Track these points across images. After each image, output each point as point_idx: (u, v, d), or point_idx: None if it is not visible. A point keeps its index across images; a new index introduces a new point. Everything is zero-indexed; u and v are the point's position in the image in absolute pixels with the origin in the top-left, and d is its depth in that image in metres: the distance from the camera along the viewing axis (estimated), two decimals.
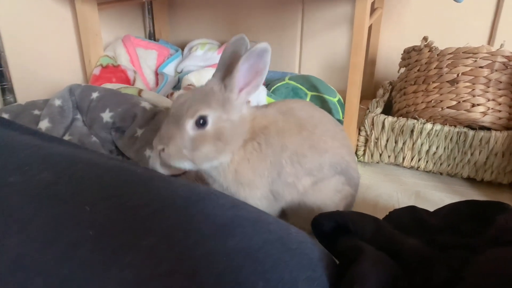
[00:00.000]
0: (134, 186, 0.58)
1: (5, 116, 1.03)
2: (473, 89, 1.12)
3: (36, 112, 1.08)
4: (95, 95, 1.10)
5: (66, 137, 1.06)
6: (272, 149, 0.78)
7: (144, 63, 1.56)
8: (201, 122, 0.71)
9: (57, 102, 1.09)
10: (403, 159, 1.21)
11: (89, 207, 0.53)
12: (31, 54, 1.27)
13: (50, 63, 1.34)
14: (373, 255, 0.59)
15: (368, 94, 1.61)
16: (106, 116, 1.06)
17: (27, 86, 1.25)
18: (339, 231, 0.68)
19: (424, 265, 0.59)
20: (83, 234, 0.50)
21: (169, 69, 1.59)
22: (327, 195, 0.83)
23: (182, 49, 1.67)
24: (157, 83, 1.58)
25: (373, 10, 1.46)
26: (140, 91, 1.20)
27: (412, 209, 0.80)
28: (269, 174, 0.78)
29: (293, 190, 0.80)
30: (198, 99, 0.72)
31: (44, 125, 1.05)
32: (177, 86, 1.53)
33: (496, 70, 1.11)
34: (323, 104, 1.34)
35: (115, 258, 0.48)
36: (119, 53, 1.49)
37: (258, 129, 0.78)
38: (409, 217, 0.78)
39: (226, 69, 0.76)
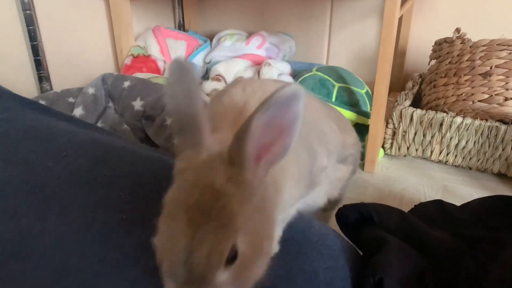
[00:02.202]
0: (167, 176, 0.60)
1: (42, 103, 1.07)
2: (507, 83, 1.09)
3: (71, 99, 1.12)
4: (127, 84, 1.13)
5: (99, 124, 1.10)
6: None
7: (173, 54, 1.59)
8: (232, 258, 0.40)
9: (91, 91, 1.13)
10: (431, 152, 1.19)
11: (123, 193, 0.56)
12: (66, 44, 1.31)
13: (84, 53, 1.38)
14: (397, 245, 0.59)
15: (397, 86, 1.59)
16: (137, 104, 1.10)
17: (63, 75, 1.30)
18: (364, 222, 0.69)
19: (450, 258, 0.59)
20: (117, 218, 0.53)
21: (198, 60, 1.61)
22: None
23: (211, 40, 1.69)
24: None
25: (404, 0, 1.43)
26: None
27: (438, 203, 0.80)
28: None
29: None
30: (210, 223, 0.39)
31: (78, 112, 1.09)
32: (205, 76, 1.55)
33: None
34: (351, 95, 1.33)
35: (149, 242, 0.50)
36: (150, 44, 1.52)
37: None
38: (435, 210, 0.78)
39: (194, 125, 0.43)
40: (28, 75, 1.22)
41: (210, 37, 1.71)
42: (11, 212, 0.55)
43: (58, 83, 1.27)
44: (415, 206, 0.81)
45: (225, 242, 0.39)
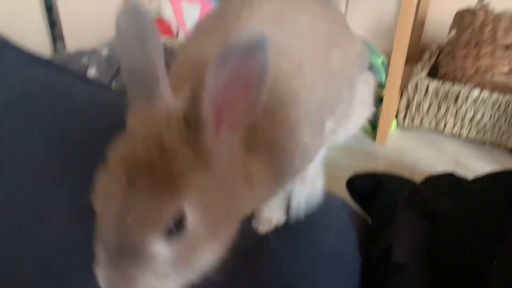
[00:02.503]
0: None
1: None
2: None
3: (85, 61, 1.12)
4: None
5: (113, 86, 1.10)
6: None
7: (187, 17, 1.56)
8: (176, 226, 0.34)
9: (104, 52, 1.12)
10: (445, 125, 1.18)
11: None
12: (80, 4, 1.30)
13: (98, 13, 1.36)
14: (407, 216, 0.59)
15: (414, 57, 1.55)
16: None
17: (76, 35, 1.29)
18: (374, 191, 0.69)
19: (457, 237, 0.59)
20: None
21: None
22: None
23: None
24: None
25: None
26: None
27: (450, 176, 0.79)
28: None
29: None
30: (152, 183, 0.33)
31: (92, 72, 1.09)
32: None
33: None
34: None
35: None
36: (164, 6, 1.50)
37: None
38: (446, 183, 0.77)
39: (149, 76, 0.37)
40: (42, 35, 1.21)
41: None
42: (18, 194, 0.54)
43: (72, 42, 1.26)
44: (426, 177, 0.80)
45: (165, 204, 0.32)
